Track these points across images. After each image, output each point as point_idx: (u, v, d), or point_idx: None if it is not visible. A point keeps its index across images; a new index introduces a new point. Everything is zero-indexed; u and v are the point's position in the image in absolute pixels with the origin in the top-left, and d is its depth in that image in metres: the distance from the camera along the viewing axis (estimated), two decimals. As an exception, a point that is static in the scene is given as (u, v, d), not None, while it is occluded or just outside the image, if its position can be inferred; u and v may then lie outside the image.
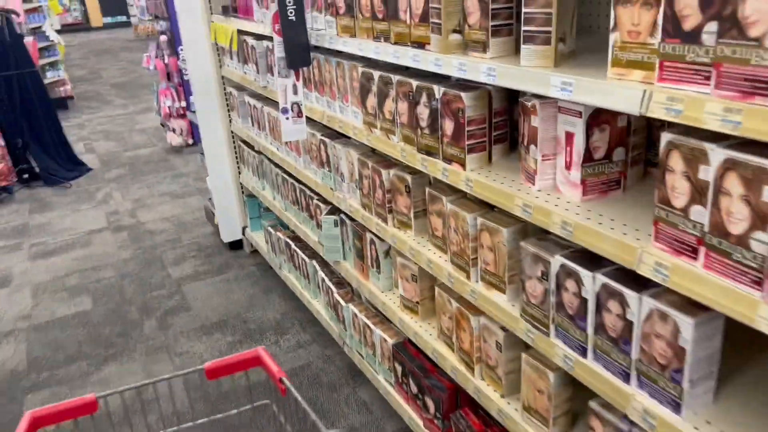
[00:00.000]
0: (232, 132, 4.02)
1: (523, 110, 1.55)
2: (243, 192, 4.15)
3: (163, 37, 6.36)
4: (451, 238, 1.86)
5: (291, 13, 2.34)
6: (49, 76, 9.21)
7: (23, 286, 4.08)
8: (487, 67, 1.49)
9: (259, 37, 3.13)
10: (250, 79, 3.34)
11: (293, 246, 3.32)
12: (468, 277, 1.81)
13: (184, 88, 6.49)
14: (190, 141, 6.74)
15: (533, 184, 1.55)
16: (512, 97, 1.74)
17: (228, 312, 3.55)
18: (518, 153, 1.69)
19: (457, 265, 1.85)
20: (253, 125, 3.58)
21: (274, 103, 3.21)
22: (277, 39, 2.43)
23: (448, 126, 1.74)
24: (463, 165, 1.72)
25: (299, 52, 2.42)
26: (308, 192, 2.99)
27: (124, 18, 21.39)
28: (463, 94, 1.65)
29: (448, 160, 1.78)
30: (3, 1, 8.23)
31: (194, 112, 4.33)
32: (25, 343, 3.43)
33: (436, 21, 1.65)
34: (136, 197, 5.56)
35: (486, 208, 1.76)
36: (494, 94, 1.69)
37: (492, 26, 1.50)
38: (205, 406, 2.70)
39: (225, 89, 3.93)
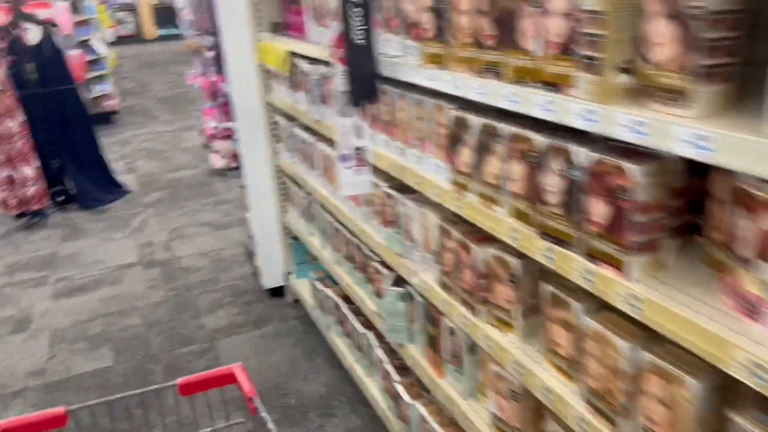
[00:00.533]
0: (278, 166, 3.52)
1: (738, 199, 0.97)
2: (288, 234, 3.64)
3: (209, 54, 5.96)
4: (589, 368, 1.27)
5: (359, 35, 1.81)
6: (96, 90, 8.99)
7: (41, 332, 3.64)
8: (691, 133, 0.91)
9: (313, 60, 2.62)
10: (302, 110, 2.83)
11: (345, 309, 2.77)
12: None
13: (229, 108, 6.08)
14: (234, 164, 6.31)
15: (756, 319, 0.95)
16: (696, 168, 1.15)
17: (265, 380, 3.02)
18: (706, 255, 1.10)
19: (598, 409, 1.26)
20: (302, 162, 3.07)
21: (328, 139, 2.68)
22: (339, 67, 1.89)
23: (599, 209, 1.16)
24: (621, 270, 1.13)
25: (366, 85, 1.88)
26: (367, 250, 2.44)
27: (176, 30, 21.53)
28: (631, 166, 1.07)
29: (594, 258, 1.19)
30: (52, 13, 8.03)
31: (237, 140, 3.86)
32: (33, 407, 2.97)
33: (590, 53, 1.08)
34: (174, 226, 5.12)
35: (650, 331, 1.17)
36: (677, 166, 1.11)
37: (703, 67, 0.92)
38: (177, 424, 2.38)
39: (272, 117, 3.43)
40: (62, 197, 5.66)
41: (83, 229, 5.20)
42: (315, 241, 3.13)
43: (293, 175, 3.27)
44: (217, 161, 6.26)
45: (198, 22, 5.88)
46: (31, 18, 5.42)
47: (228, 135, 6.21)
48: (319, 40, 2.47)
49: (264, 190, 3.62)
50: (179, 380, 1.63)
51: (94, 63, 9.10)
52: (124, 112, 9.81)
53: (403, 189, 2.04)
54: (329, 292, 2.94)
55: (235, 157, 6.25)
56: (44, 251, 4.80)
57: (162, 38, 21.65)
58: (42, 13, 7.94)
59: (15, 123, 5.06)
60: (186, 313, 3.74)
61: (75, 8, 8.96)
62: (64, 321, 3.74)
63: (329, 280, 3.09)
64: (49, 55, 5.53)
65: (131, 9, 21.50)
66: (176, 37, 21.46)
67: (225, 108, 6.08)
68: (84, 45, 8.89)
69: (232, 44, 3.40)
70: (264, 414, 1.57)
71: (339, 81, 1.90)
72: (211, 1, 5.74)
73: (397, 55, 1.84)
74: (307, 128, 2.94)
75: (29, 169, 5.16)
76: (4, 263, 4.64)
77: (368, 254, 2.43)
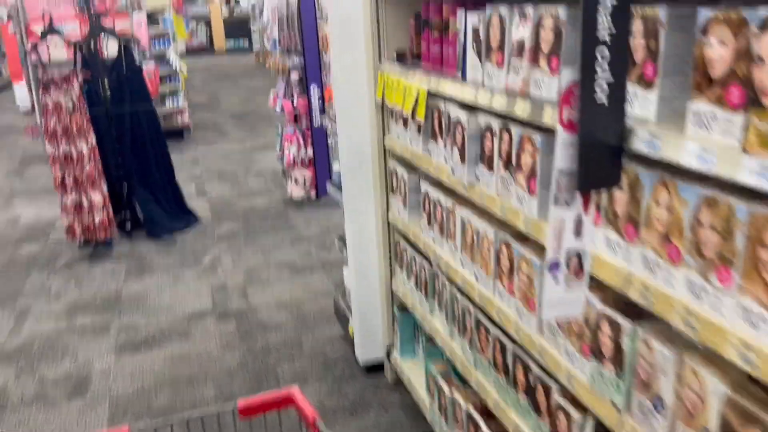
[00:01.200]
0: (389, 222, 2.91)
1: None
2: (393, 301, 3.02)
3: (295, 75, 5.46)
4: None
5: (602, 87, 1.17)
6: (168, 105, 8.68)
7: (101, 399, 3.12)
8: None
9: (471, 108, 1.99)
10: (441, 166, 2.21)
11: (485, 428, 2.11)
12: None
13: (312, 134, 5.55)
14: (313, 194, 5.77)
15: None
16: None
17: (370, 499, 2.39)
18: None
19: None
20: (430, 225, 2.44)
21: (477, 209, 2.05)
22: (564, 135, 1.25)
23: None
24: None
25: (605, 163, 1.24)
26: (536, 368, 1.79)
27: (246, 43, 21.51)
28: None
29: None
30: (130, 25, 7.76)
31: (338, 187, 3.28)
32: None
33: None
34: (249, 265, 4.59)
35: None
36: None
37: None
38: None
39: (387, 164, 2.83)
40: (129, 224, 5.22)
41: (150, 263, 4.72)
42: (437, 324, 2.49)
43: (411, 238, 2.65)
44: (296, 191, 5.73)
45: (284, 40, 5.38)
46: (109, 30, 5.03)
47: (309, 163, 5.68)
48: (485, 81, 1.85)
49: (368, 247, 3.02)
50: (239, 401, 1.65)
51: (168, 77, 8.80)
52: (195, 127, 9.49)
53: (637, 318, 1.37)
54: (458, 397, 2.29)
55: (315, 187, 5.71)
56: (108, 288, 4.34)
57: (231, 51, 21.69)
58: (120, 25, 7.68)
59: (86, 145, 4.64)
60: (266, 385, 3.15)
61: (152, 19, 8.70)
62: (126, 386, 3.21)
63: (454, 376, 2.44)
64: (127, 71, 5.12)
65: (205, 21, 21.62)
66: (245, 50, 21.48)
67: (307, 133, 5.56)
68: (159, 58, 8.60)
69: (344, 73, 2.82)
70: None
71: (561, 154, 1.26)
72: (302, 19, 5.24)
73: (646, 119, 1.18)
74: (443, 188, 2.32)
75: (97, 195, 4.73)
76: (66, 302, 4.19)
77: (540, 376, 1.77)
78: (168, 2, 8.74)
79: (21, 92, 10.74)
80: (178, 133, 8.80)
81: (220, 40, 21.71)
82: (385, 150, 2.79)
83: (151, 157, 5.32)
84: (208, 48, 21.54)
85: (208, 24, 21.36)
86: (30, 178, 7.25)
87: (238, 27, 21.56)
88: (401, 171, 2.66)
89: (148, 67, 7.97)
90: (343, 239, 3.39)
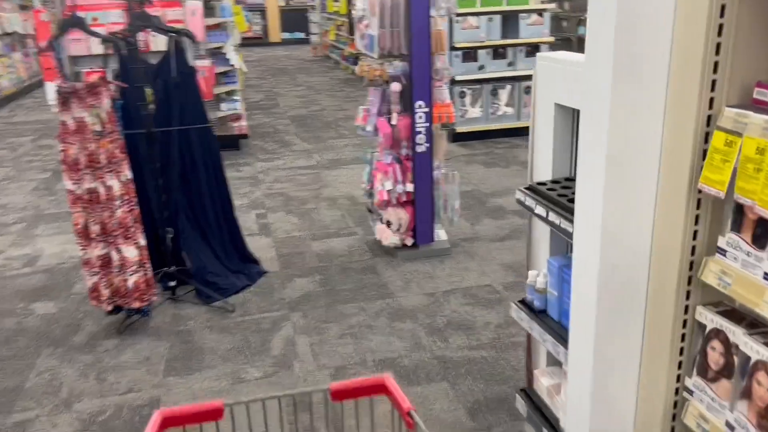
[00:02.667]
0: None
1: None
2: None
3: (396, 86, 4.08)
4: None
5: None
6: (223, 109, 7.44)
7: None
8: None
9: None
10: None
11: None
12: None
13: (414, 166, 4.17)
14: (409, 242, 4.40)
15: None
16: None
17: None
18: None
19: None
20: None
21: None
22: None
23: None
24: None
25: None
26: None
27: (302, 35, 20.32)
28: None
29: None
30: (183, 15, 6.52)
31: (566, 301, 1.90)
32: None
33: None
34: (337, 361, 3.25)
35: None
36: None
37: None
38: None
39: (694, 314, 1.41)
40: (173, 281, 3.95)
41: (201, 347, 3.43)
42: None
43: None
44: (387, 236, 4.37)
45: (384, 41, 4.00)
46: (156, 23, 3.75)
47: (408, 201, 4.31)
48: None
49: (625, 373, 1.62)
50: (331, 384, 1.63)
51: (225, 75, 7.56)
52: (253, 134, 8.24)
53: None
54: None
55: (413, 232, 4.33)
56: (138, 391, 3.06)
57: (286, 42, 20.53)
58: (170, 14, 6.44)
59: (118, 181, 3.37)
60: None
61: (207, 7, 7.46)
62: None
63: None
64: (177, 77, 3.84)
65: (261, 10, 20.50)
66: (300, 42, 20.28)
67: (407, 164, 4.18)
68: (216, 54, 7.35)
69: (610, 119, 1.42)
70: (424, 429, 1.47)
71: None
72: (411, 12, 3.85)
73: None
74: None
75: (132, 249, 3.46)
76: (77, 411, 2.93)
77: None
78: (227, -12, 7.48)
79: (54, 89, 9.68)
80: (234, 143, 7.55)
81: (275, 31, 20.58)
82: (693, 284, 1.38)
83: (205, 192, 4.03)
84: (263, 39, 20.43)
85: (263, 13, 20.23)
86: (62, 196, 6.09)
87: (295, 18, 20.38)
88: (747, 342, 1.24)
89: (203, 64, 6.73)
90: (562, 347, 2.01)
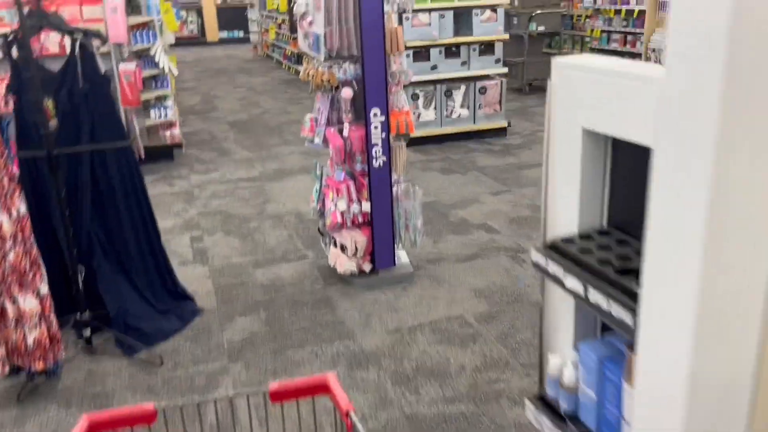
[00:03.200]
0: None
1: None
2: None
3: (347, 93, 3.55)
4: None
5: None
6: (153, 117, 6.74)
7: None
8: None
9: None
10: None
11: None
12: None
13: (370, 181, 3.66)
14: (367, 267, 3.88)
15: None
16: None
17: None
18: None
19: None
20: None
21: None
22: None
23: None
24: None
25: None
26: None
27: (241, 34, 19.52)
28: None
29: None
30: (104, 12, 5.81)
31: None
32: None
33: None
34: (286, 424, 2.70)
35: None
36: None
37: None
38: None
39: None
40: (88, 329, 3.31)
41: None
42: None
43: None
44: (341, 262, 3.84)
45: (332, 42, 3.46)
46: (54, 22, 3.10)
47: (365, 222, 3.80)
48: None
49: None
50: (270, 385, 1.56)
51: (153, 80, 6.85)
52: (188, 141, 7.55)
53: None
54: None
55: (372, 257, 3.82)
56: (42, 480, 2.45)
57: (224, 41, 19.66)
58: (87, 13, 5.74)
59: (8, 217, 2.73)
60: None
61: (131, 5, 6.74)
62: None
63: None
64: (85, 87, 3.20)
65: (196, 8, 19.56)
66: (240, 41, 19.44)
67: (363, 181, 3.67)
68: (143, 56, 6.65)
69: (733, 164, 0.93)
70: (362, 430, 1.42)
71: None
72: (362, 8, 3.33)
73: None
74: None
75: (31, 299, 2.82)
76: None
77: None
78: (153, -17, 6.76)
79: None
80: (167, 153, 6.85)
81: (213, 30, 19.68)
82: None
83: (125, 221, 3.41)
84: (200, 38, 19.51)
85: (199, 11, 19.32)
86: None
87: (234, 17, 19.55)
88: None
89: (127, 68, 6.04)
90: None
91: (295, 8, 3.60)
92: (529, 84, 9.66)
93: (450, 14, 6.77)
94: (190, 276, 4.09)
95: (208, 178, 6.25)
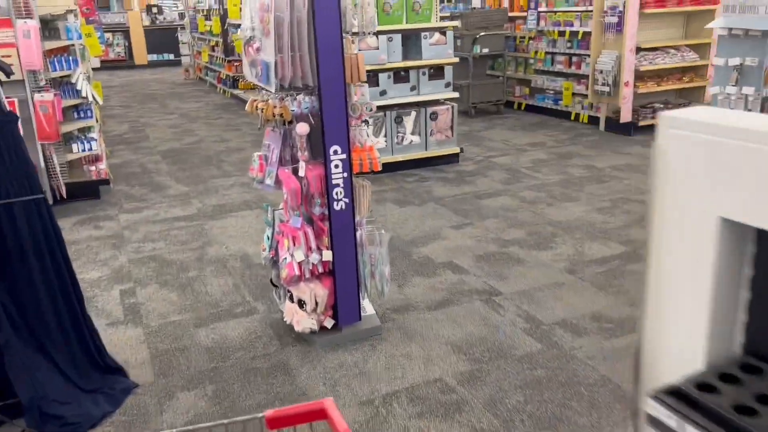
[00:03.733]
0: None
1: None
2: None
3: (302, 128, 3.11)
4: None
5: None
6: (76, 150, 6.07)
7: None
8: None
9: None
10: None
11: None
12: None
13: (331, 226, 3.22)
14: (329, 323, 3.42)
15: None
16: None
17: None
18: None
19: None
20: None
21: None
22: None
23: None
24: None
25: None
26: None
27: (171, 56, 18.72)
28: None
29: None
30: (15, 36, 5.16)
31: None
32: None
33: None
34: None
35: None
36: None
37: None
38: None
39: None
40: (-4, 423, 2.71)
41: None
42: None
43: None
44: (299, 319, 3.36)
45: (284, 72, 3.01)
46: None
47: (326, 273, 3.35)
48: None
49: None
50: (267, 412, 1.52)
51: (76, 109, 6.20)
52: (117, 175, 6.88)
53: None
54: None
55: (334, 311, 3.37)
56: None
57: (154, 64, 18.79)
58: (-6, 36, 5.09)
59: None
60: None
61: (49, 29, 6.10)
62: None
63: None
64: (-19, 128, 2.63)
65: (123, 30, 18.65)
66: (171, 63, 18.62)
67: (322, 226, 3.23)
68: (61, 84, 5.99)
69: None
70: None
71: None
72: (317, 33, 2.92)
73: None
74: None
75: None
76: None
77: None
78: (71, 5, 6.14)
79: None
80: (92, 191, 6.18)
81: (141, 52, 18.79)
82: None
83: (40, 287, 2.83)
84: (128, 61, 18.58)
85: (126, 33, 18.42)
86: None
87: (163, 37, 18.75)
88: None
89: (44, 98, 5.39)
90: None
91: (239, 33, 3.13)
92: (474, 107, 9.46)
93: (398, 37, 6.45)
94: (121, 341, 3.52)
95: (139, 218, 5.63)
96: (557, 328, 3.51)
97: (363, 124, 3.29)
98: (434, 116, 6.79)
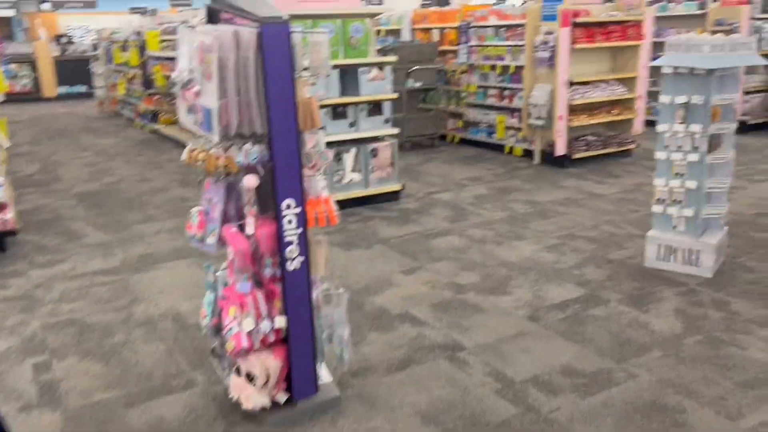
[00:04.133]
0: None
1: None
2: None
3: (251, 181, 2.76)
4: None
5: None
6: (-23, 198, 5.40)
7: None
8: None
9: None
10: None
11: None
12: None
13: (285, 289, 2.87)
14: (282, 398, 3.03)
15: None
16: None
17: None
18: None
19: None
20: None
21: None
22: None
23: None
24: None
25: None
26: None
27: (84, 88, 17.71)
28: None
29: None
30: None
31: None
32: None
33: None
34: None
35: None
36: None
37: None
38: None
39: None
40: None
41: None
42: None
43: None
44: (248, 395, 2.95)
45: (227, 118, 2.66)
46: None
47: (278, 341, 2.98)
48: None
49: None
50: None
51: (-24, 152, 5.54)
52: (26, 224, 6.19)
53: None
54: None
55: (288, 384, 3.00)
56: None
57: (64, 97, 17.71)
58: None
59: None
60: None
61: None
62: None
63: None
64: None
65: (29, 61, 17.54)
66: (84, 96, 17.59)
67: (274, 288, 2.87)
68: (-42, 124, 5.34)
69: None
70: None
71: None
72: (267, 75, 2.61)
73: None
74: None
75: None
76: None
77: None
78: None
79: None
80: (-4, 243, 5.51)
81: (50, 85, 17.70)
82: None
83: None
84: (35, 93, 17.44)
85: (33, 65, 17.31)
86: None
87: (74, 69, 17.75)
88: None
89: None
90: None
91: (174, 76, 2.76)
92: (409, 141, 9.32)
93: (335, 73, 6.19)
94: (35, 430, 2.99)
95: (53, 273, 5.03)
96: (530, 387, 3.27)
97: (318, 174, 2.97)
98: (374, 153, 6.55)
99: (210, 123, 2.69)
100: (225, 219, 2.91)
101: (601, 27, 7.80)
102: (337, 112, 6.35)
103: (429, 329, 3.92)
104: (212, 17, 3.08)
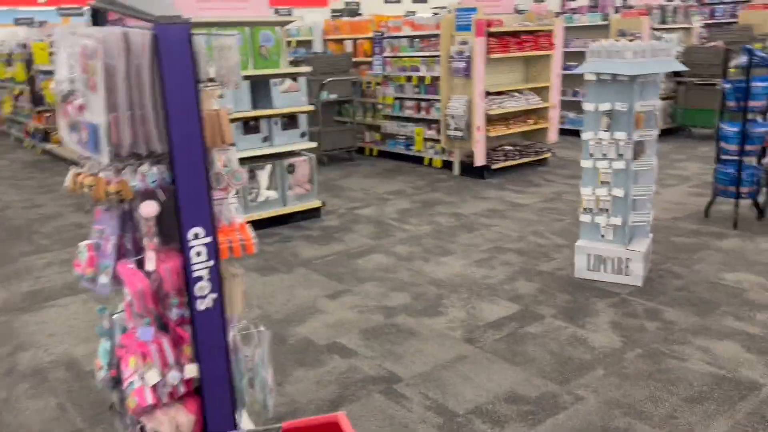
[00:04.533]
0: None
1: None
2: None
3: (149, 208, 2.35)
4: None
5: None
6: None
7: None
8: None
9: None
10: None
11: None
12: None
13: (196, 332, 2.47)
14: (199, 457, 2.61)
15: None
16: None
17: None
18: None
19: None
20: None
21: None
22: None
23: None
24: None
25: None
26: None
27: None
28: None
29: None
30: None
31: None
32: None
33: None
34: None
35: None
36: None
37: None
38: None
39: None
40: None
41: None
42: None
43: None
44: (157, 458, 2.51)
45: (116, 131, 2.24)
46: None
47: (189, 393, 2.56)
48: None
49: None
50: (284, 423, 1.61)
51: None
52: None
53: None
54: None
55: (206, 447, 2.57)
56: None
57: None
58: None
59: None
60: None
61: None
62: None
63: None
64: None
65: None
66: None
67: (182, 333, 2.48)
68: None
69: None
70: None
71: None
72: (166, 86, 2.22)
73: None
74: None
75: None
76: None
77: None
78: None
79: None
80: None
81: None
82: None
83: None
84: None
85: None
86: None
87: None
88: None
89: None
90: None
91: (52, 88, 2.31)
92: (326, 154, 9.00)
93: (246, 84, 5.79)
94: None
95: None
96: (474, 419, 3.01)
97: (230, 196, 2.59)
98: (291, 169, 6.18)
99: (97, 142, 2.26)
100: (120, 254, 2.47)
101: (515, 37, 7.82)
102: (249, 126, 5.94)
103: (360, 360, 3.60)
104: (97, 18, 2.64)
